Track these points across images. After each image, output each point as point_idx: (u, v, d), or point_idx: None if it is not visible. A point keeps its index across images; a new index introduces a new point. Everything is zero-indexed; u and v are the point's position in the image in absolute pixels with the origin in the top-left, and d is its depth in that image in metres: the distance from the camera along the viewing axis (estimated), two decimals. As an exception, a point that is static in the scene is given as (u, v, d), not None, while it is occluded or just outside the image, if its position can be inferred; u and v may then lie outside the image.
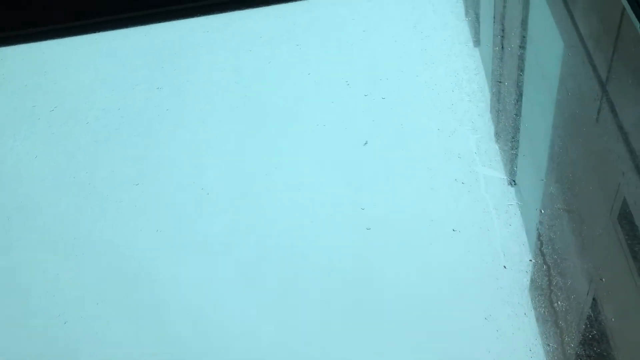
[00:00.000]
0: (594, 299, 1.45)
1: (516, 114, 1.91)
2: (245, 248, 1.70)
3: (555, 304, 1.45)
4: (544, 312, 1.44)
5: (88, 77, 2.30)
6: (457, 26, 2.21)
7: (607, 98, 1.93)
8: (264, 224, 1.75)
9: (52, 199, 1.94)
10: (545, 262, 1.53)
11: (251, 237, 1.72)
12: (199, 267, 1.68)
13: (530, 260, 1.54)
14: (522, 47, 2.11)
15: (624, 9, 1.95)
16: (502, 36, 2.18)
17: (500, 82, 2.03)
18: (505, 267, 1.53)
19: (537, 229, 1.60)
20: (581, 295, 1.46)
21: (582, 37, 2.07)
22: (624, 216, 1.58)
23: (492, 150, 1.80)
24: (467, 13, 2.28)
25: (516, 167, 1.76)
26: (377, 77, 2.07)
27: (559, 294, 1.47)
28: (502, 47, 2.16)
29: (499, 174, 1.73)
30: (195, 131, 2.03)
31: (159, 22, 2.39)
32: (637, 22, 1.83)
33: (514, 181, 1.72)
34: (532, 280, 1.50)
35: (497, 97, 1.99)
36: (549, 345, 1.39)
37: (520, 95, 1.98)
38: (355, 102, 2.00)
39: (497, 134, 1.87)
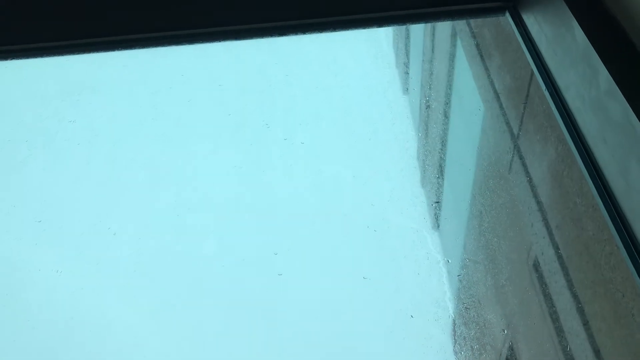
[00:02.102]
0: (496, 349, 1.47)
1: (439, 160, 1.96)
2: (149, 291, 1.63)
3: (459, 355, 1.46)
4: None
5: (-5, 106, 2.20)
6: (378, 76, 2.27)
7: (518, 151, 2.01)
8: (171, 269, 1.69)
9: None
10: (450, 314, 1.55)
11: (157, 280, 1.66)
12: (99, 311, 1.60)
13: (437, 311, 1.55)
14: (447, 101, 2.19)
15: (532, 70, 2.06)
16: (429, 87, 2.25)
17: (426, 129, 2.09)
18: (412, 316, 1.53)
19: (445, 280, 1.62)
20: (484, 345, 1.48)
21: (497, 93, 2.17)
22: (534, 266, 1.64)
23: (405, 198, 1.82)
24: (396, 64, 2.34)
25: (429, 216, 1.79)
26: (296, 122, 2.08)
27: (462, 344, 1.48)
28: (428, 98, 2.22)
29: (411, 223, 1.76)
30: (106, 168, 1.96)
31: (76, 53, 2.33)
32: (543, 83, 1.93)
33: (425, 230, 1.74)
34: (439, 330, 1.51)
35: (423, 145, 2.03)
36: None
37: (444, 144, 2.04)
38: (274, 145, 1.99)
39: (415, 183, 1.91)
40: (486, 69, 2.30)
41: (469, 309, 1.54)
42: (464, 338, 1.49)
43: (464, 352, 1.47)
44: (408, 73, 2.33)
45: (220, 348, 1.52)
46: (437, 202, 1.82)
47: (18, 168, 1.97)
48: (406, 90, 2.27)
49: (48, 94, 2.23)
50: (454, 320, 1.52)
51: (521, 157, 1.99)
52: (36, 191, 1.90)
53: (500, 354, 1.48)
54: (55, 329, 1.57)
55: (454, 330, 1.51)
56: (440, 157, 2.00)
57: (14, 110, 2.17)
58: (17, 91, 2.24)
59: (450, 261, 1.65)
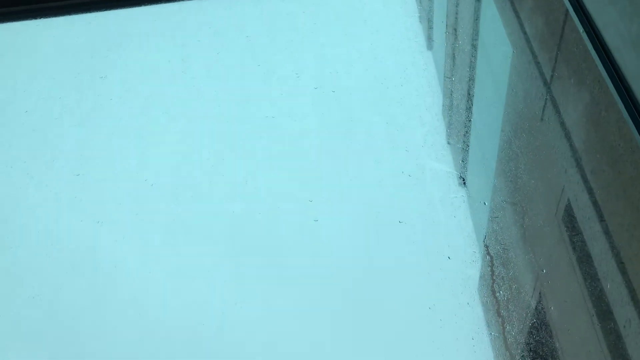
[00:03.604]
0: (534, 289, 1.48)
1: (467, 110, 1.94)
2: (188, 240, 1.66)
3: (498, 294, 1.47)
4: (487, 301, 1.46)
5: (27, 64, 2.21)
6: (407, 23, 2.23)
7: (551, 97, 1.97)
8: (209, 217, 1.71)
9: (-14, 191, 1.85)
10: (488, 253, 1.55)
11: (195, 229, 1.69)
12: (140, 259, 1.63)
13: (474, 252, 1.56)
14: (474, 46, 2.15)
15: (567, 10, 2.00)
16: (455, 35, 2.21)
17: (450, 78, 2.06)
18: (449, 258, 1.54)
19: (482, 222, 1.62)
20: (523, 285, 1.49)
21: (529, 38, 2.12)
22: (567, 211, 1.62)
23: (439, 144, 1.81)
24: (420, 11, 2.30)
25: (463, 161, 1.78)
26: (326, 71, 2.06)
27: (501, 284, 1.49)
28: (454, 46, 2.19)
29: (446, 167, 1.75)
30: (139, 121, 1.98)
31: (105, 9, 2.33)
32: (580, 24, 1.88)
33: (462, 177, 1.74)
34: (476, 271, 1.52)
35: (449, 94, 2.01)
36: (491, 333, 1.41)
37: (470, 92, 2.01)
38: (305, 94, 1.99)
39: (447, 129, 1.89)
40: (516, 12, 2.24)
41: (507, 249, 1.55)
42: (502, 278, 1.50)
43: (502, 291, 1.47)
44: (432, 20, 2.29)
45: (258, 295, 1.55)
46: (468, 147, 1.81)
47: (54, 124, 2.00)
48: (435, 36, 2.23)
49: (78, 50, 2.24)
50: (491, 261, 1.53)
51: (554, 102, 1.95)
52: (73, 146, 1.93)
53: (538, 293, 1.48)
54: (99, 278, 1.61)
55: (492, 271, 1.52)
56: (472, 104, 1.97)
57: (46, 67, 2.19)
58: (48, 49, 2.26)
59: (487, 204, 1.65)
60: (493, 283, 1.49)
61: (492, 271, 1.50)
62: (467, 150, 1.83)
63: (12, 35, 2.33)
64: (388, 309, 1.46)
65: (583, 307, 1.43)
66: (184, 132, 1.93)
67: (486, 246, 1.56)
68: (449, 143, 1.83)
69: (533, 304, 1.44)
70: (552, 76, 2.02)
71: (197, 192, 1.77)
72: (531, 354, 1.36)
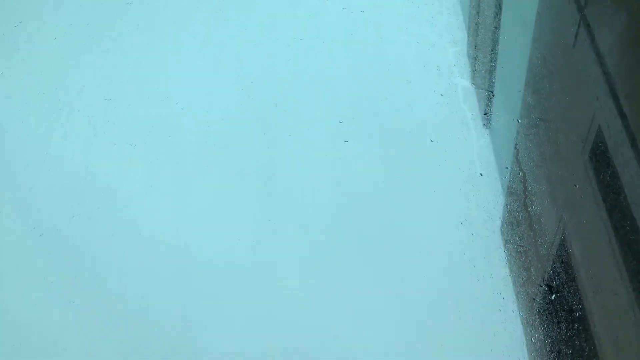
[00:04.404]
0: (566, 203, 1.48)
1: (495, 27, 1.90)
2: (219, 160, 1.68)
3: (530, 209, 1.48)
4: (518, 216, 1.47)
5: (53, -9, 2.20)
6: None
7: (585, 22, 1.91)
8: (239, 137, 1.72)
9: (21, 116, 1.87)
10: (521, 169, 1.55)
11: (226, 150, 1.70)
12: (173, 180, 1.66)
13: (506, 168, 1.55)
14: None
15: None
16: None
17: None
18: (481, 174, 1.54)
19: (514, 138, 1.61)
20: (555, 200, 1.49)
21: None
22: (598, 135, 1.60)
23: (470, 63, 1.78)
24: None
25: (494, 80, 1.76)
26: (355, -9, 2.02)
27: (533, 199, 1.49)
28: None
29: (477, 86, 1.73)
30: (167, 46, 1.97)
31: None
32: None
33: (492, 92, 1.71)
34: (508, 187, 1.52)
35: (477, 11, 1.96)
36: (522, 246, 1.42)
37: (500, 9, 1.96)
38: (332, 15, 1.95)
39: (476, 47, 1.85)
40: None
41: (539, 165, 1.54)
42: (535, 193, 1.50)
43: (535, 206, 1.48)
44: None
45: (290, 214, 1.56)
46: (497, 66, 1.78)
47: (82, 51, 2.00)
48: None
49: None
50: (523, 177, 1.52)
51: (588, 28, 1.90)
52: (102, 72, 1.94)
53: (570, 207, 1.48)
54: (135, 198, 1.64)
55: (525, 187, 1.51)
56: (502, 26, 1.92)
57: (71, -6, 2.17)
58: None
59: (520, 121, 1.63)
60: (525, 198, 1.49)
61: (525, 187, 1.50)
62: (496, 68, 1.80)
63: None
64: (420, 224, 1.48)
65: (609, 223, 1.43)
66: (211, 56, 1.92)
67: (518, 162, 1.56)
68: (481, 62, 1.80)
69: (566, 217, 1.45)
70: (586, 1, 1.95)
71: (227, 114, 1.78)
72: (562, 265, 1.38)
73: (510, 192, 1.51)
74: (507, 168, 1.55)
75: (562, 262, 1.39)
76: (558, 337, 1.26)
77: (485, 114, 1.66)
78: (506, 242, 1.43)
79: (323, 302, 1.36)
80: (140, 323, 1.36)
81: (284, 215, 1.56)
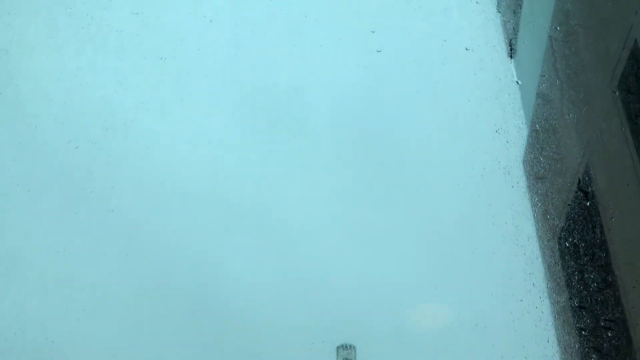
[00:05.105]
0: (603, 110, 1.45)
1: None
2: (249, 73, 1.67)
3: (567, 116, 1.45)
4: (554, 124, 1.45)
5: None
6: None
7: None
8: (269, 52, 1.70)
9: (49, 32, 1.86)
10: (558, 77, 1.51)
11: (256, 63, 1.68)
12: (203, 91, 1.65)
13: (544, 76, 1.52)
14: None
15: None
16: None
17: None
18: (518, 82, 1.51)
19: (551, 46, 1.56)
20: (593, 108, 1.46)
21: None
22: (636, 44, 1.55)
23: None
24: None
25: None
26: None
27: (570, 107, 1.46)
28: None
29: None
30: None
31: None
32: None
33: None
34: (544, 95, 1.50)
35: None
36: (558, 153, 1.41)
37: None
38: None
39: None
40: None
41: (577, 73, 1.50)
42: (572, 101, 1.47)
43: (572, 114, 1.45)
44: None
45: (323, 123, 1.56)
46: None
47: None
48: None
49: None
50: (560, 85, 1.49)
51: None
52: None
53: (607, 114, 1.45)
54: (167, 111, 1.65)
55: (562, 94, 1.48)
56: None
57: None
58: None
59: (558, 28, 1.58)
60: (562, 106, 1.46)
61: (562, 95, 1.48)
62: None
63: None
64: (456, 132, 1.47)
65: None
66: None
67: (556, 69, 1.52)
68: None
69: (604, 126, 1.42)
70: None
71: (256, 28, 1.75)
72: (598, 171, 1.37)
73: (545, 101, 1.48)
74: (543, 76, 1.52)
75: (598, 168, 1.38)
76: (592, 240, 1.27)
77: (525, 22, 1.61)
78: (542, 149, 1.41)
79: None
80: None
81: (315, 129, 1.56)
